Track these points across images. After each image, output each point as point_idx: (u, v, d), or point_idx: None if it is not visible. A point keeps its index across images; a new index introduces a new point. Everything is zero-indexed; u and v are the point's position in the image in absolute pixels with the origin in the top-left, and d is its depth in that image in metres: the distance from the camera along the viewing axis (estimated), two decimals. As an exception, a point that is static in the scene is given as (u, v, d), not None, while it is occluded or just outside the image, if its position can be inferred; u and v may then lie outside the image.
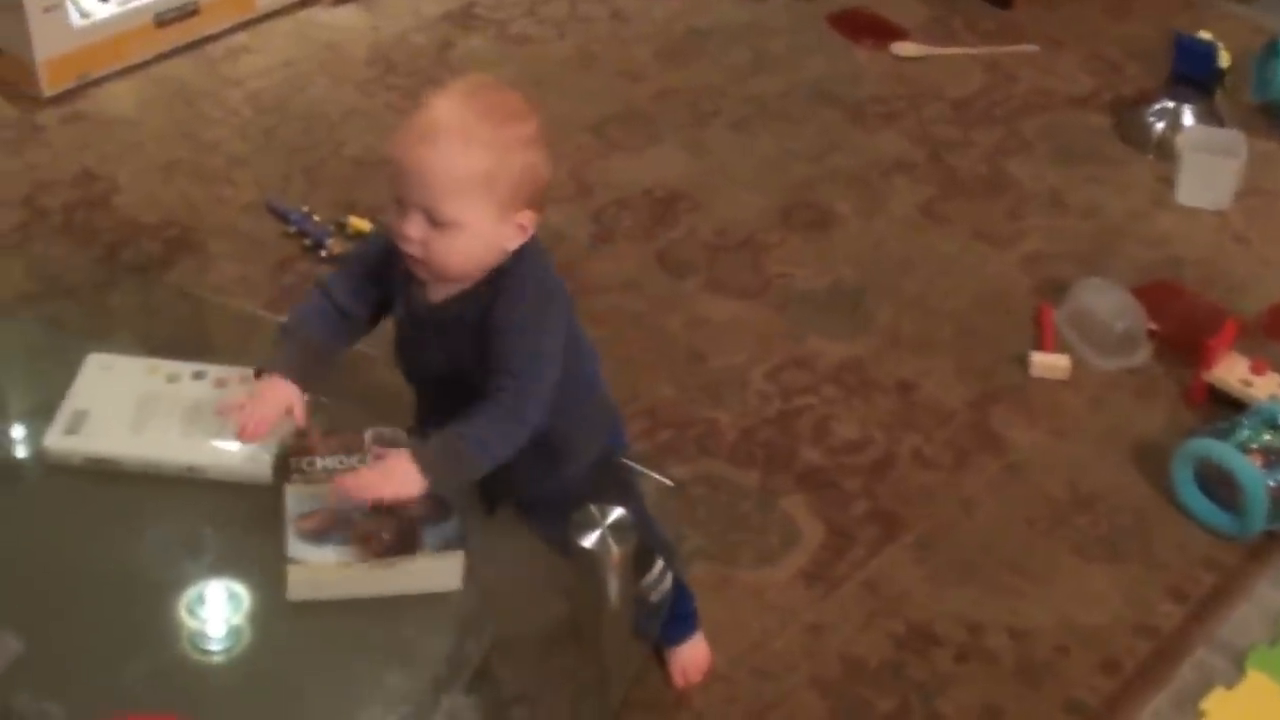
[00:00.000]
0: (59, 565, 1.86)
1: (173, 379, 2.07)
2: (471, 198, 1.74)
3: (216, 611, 1.77)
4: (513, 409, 1.81)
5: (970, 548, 2.56)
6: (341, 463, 1.93)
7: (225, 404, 1.96)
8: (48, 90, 3.65)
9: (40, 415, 2.00)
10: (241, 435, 1.88)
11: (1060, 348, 2.96)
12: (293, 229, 3.23)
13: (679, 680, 2.31)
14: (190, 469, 1.96)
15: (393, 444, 1.92)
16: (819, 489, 2.66)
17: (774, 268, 3.20)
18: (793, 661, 2.36)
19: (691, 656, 2.33)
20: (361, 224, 3.23)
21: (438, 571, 1.84)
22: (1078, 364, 2.92)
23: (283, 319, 2.03)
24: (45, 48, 3.60)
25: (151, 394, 2.04)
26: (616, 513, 1.85)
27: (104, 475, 1.97)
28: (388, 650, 1.77)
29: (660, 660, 2.32)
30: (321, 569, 1.81)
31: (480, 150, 1.73)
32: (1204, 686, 2.34)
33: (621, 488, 2.11)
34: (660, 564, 2.21)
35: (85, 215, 3.30)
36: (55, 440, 1.99)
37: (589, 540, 1.85)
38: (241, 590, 1.79)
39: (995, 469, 2.72)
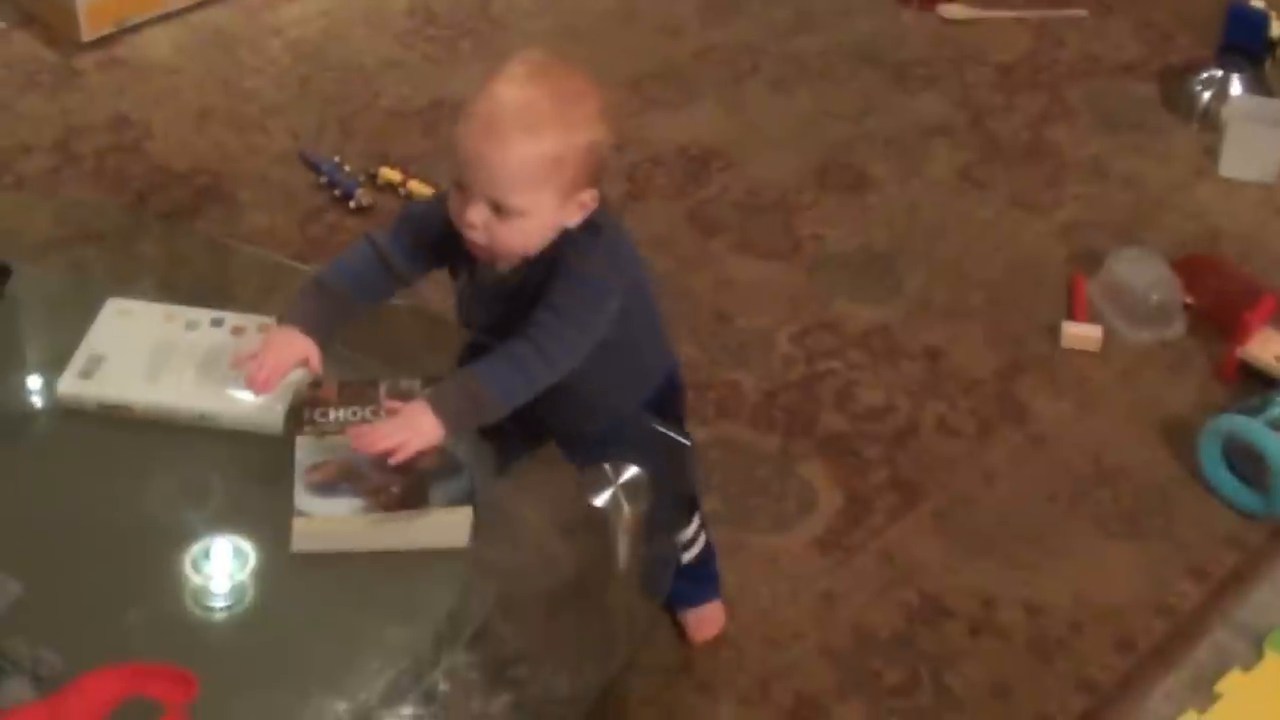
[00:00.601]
0: (64, 511, 1.83)
1: (191, 326, 2.05)
2: (538, 187, 1.72)
3: (221, 567, 1.75)
4: (542, 348, 1.77)
5: (989, 520, 2.53)
6: (355, 414, 1.90)
7: (238, 354, 1.94)
8: (87, 35, 3.65)
9: (60, 360, 1.99)
10: (251, 386, 1.86)
11: (1093, 318, 2.91)
12: (323, 179, 3.22)
13: (696, 635, 2.30)
14: (202, 417, 1.94)
15: (407, 395, 1.90)
16: (839, 455, 2.63)
17: (805, 229, 3.17)
18: (802, 629, 2.34)
19: (705, 620, 2.32)
20: (393, 175, 3.22)
21: (445, 527, 1.81)
22: (1110, 336, 2.88)
23: (308, 268, 2.01)
24: (85, -9, 3.60)
25: (168, 341, 2.02)
26: (630, 471, 1.83)
27: (116, 421, 1.95)
28: (389, 605, 1.74)
29: (672, 618, 2.31)
30: (327, 521, 1.79)
31: (546, 139, 1.70)
32: (1220, 668, 2.29)
33: (674, 445, 2.07)
34: (697, 522, 2.20)
35: (117, 161, 3.29)
36: (69, 385, 1.97)
37: (600, 499, 1.83)
38: (247, 546, 1.77)
39: (1019, 440, 2.68)
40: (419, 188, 3.18)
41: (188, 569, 1.73)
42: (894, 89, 3.63)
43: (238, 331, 2.03)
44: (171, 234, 3.07)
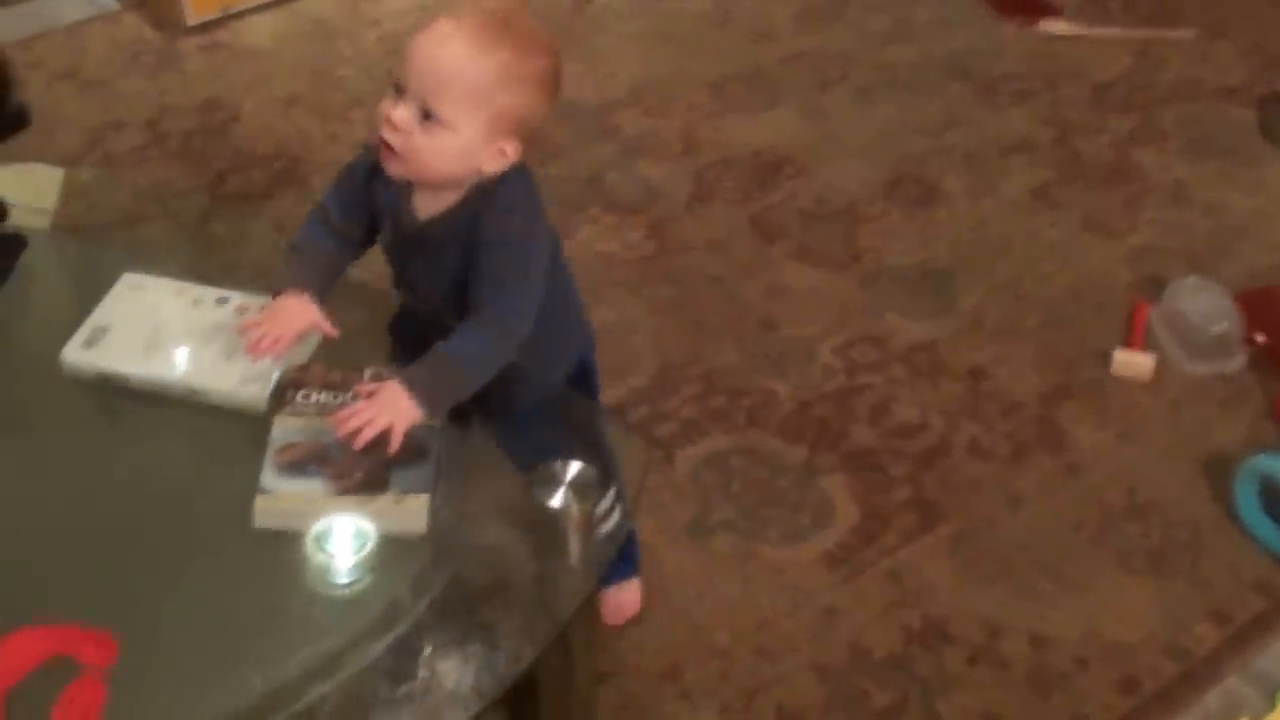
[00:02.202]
0: (44, 475, 1.88)
1: (197, 303, 2.08)
2: (469, 105, 1.72)
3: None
4: (499, 322, 1.79)
5: (1007, 546, 2.46)
6: (336, 397, 1.91)
7: (244, 323, 1.97)
8: (191, 19, 3.74)
9: (71, 331, 2.03)
10: (254, 351, 1.88)
11: (1150, 347, 2.82)
12: (393, 169, 3.25)
13: (612, 617, 2.28)
14: (192, 392, 1.96)
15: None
16: (863, 471, 2.59)
17: (867, 241, 3.12)
18: (797, 644, 2.30)
19: (622, 600, 2.31)
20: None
21: (402, 513, 1.82)
22: (1164, 366, 2.79)
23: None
24: (192, -23, 3.68)
25: (172, 316, 2.05)
26: (576, 468, 1.82)
27: (114, 391, 1.98)
28: (318, 592, 1.75)
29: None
30: (287, 500, 1.80)
31: (494, 60, 1.72)
32: (1227, 717, 2.20)
33: (587, 407, 2.07)
34: (613, 494, 2.16)
35: (202, 142, 3.36)
36: (72, 354, 2.01)
37: (554, 499, 1.82)
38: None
39: (1052, 467, 2.61)
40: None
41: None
42: (981, 103, 3.57)
43: (242, 310, 2.06)
44: (243, 217, 3.14)
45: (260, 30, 3.76)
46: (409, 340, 1.89)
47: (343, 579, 1.74)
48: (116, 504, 1.85)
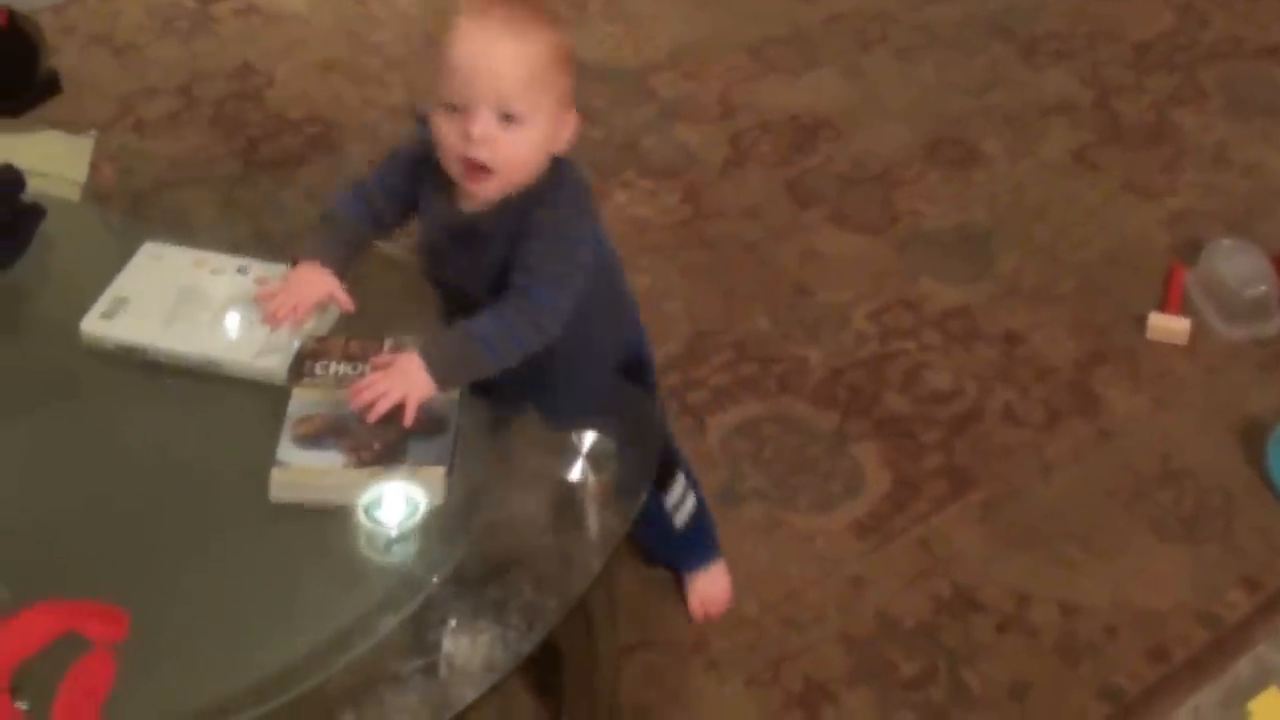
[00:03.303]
0: (54, 447, 1.89)
1: (216, 272, 2.09)
2: (540, 90, 1.73)
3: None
4: (530, 311, 1.78)
5: (1039, 514, 2.45)
6: (355, 369, 1.92)
7: (261, 292, 1.97)
8: (226, -18, 3.74)
9: (92, 301, 2.04)
10: (270, 321, 1.89)
11: (1187, 311, 2.79)
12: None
13: (698, 614, 2.28)
14: (210, 363, 1.97)
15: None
16: (895, 438, 2.58)
17: (904, 204, 3.10)
18: (824, 613, 2.30)
19: (711, 587, 2.30)
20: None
21: (418, 486, 1.83)
22: (1200, 330, 2.76)
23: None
24: (223, -60, 3.68)
25: (192, 286, 2.06)
26: (594, 439, 1.83)
27: (134, 362, 1.99)
28: (334, 566, 1.76)
29: (680, 589, 2.30)
30: (304, 473, 1.81)
31: (543, 46, 1.73)
32: (1257, 685, 2.19)
33: (640, 400, 2.07)
34: (682, 481, 2.18)
35: (235, 107, 3.37)
36: (90, 324, 2.02)
37: (572, 472, 1.83)
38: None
39: (1086, 433, 2.59)
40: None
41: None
42: (1022, 63, 3.53)
43: (261, 280, 2.06)
44: (276, 183, 3.14)
45: (296, -6, 3.77)
46: None
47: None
48: (132, 476, 1.86)
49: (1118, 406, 2.64)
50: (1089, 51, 3.56)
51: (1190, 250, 2.94)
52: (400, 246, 2.05)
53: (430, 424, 1.84)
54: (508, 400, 1.87)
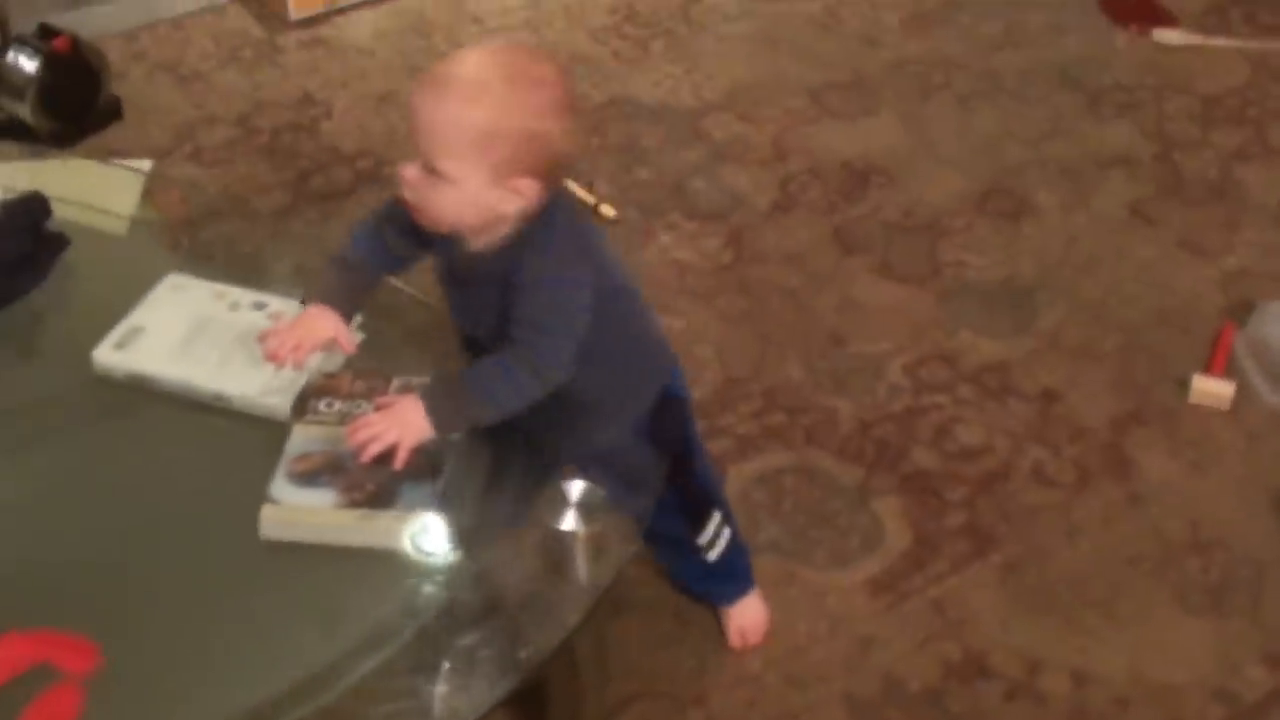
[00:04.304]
0: (54, 475, 1.91)
1: (233, 307, 2.10)
2: (464, 157, 1.71)
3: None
4: (527, 361, 1.78)
5: (1060, 578, 2.39)
6: (359, 407, 1.92)
7: (266, 330, 1.98)
8: (295, 14, 3.78)
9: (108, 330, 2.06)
10: (272, 359, 1.89)
11: (1232, 375, 2.72)
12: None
13: (736, 642, 2.28)
14: (217, 397, 1.98)
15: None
16: (919, 494, 2.53)
17: (950, 254, 3.05)
18: (829, 672, 2.25)
19: (749, 616, 2.29)
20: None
21: (404, 531, 1.82)
22: (1244, 395, 2.69)
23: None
24: (295, -28, 3.72)
25: (208, 319, 2.07)
26: (584, 489, 1.81)
27: (143, 393, 2.01)
28: (315, 607, 1.76)
29: (718, 619, 2.31)
30: (294, 511, 1.81)
31: (480, 111, 1.69)
32: (1271, 766, 2.13)
33: (676, 440, 2.07)
34: (717, 518, 2.16)
35: (291, 138, 3.40)
36: (103, 354, 2.04)
37: (563, 522, 1.82)
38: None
39: (1116, 496, 2.53)
40: (571, 186, 3.18)
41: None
42: (1085, 114, 3.47)
43: (277, 316, 2.07)
44: (321, 216, 3.17)
45: (362, 26, 3.79)
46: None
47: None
48: (126, 507, 1.87)
49: (1152, 470, 2.58)
50: (1156, 104, 3.49)
51: (1243, 312, 2.87)
52: (419, 286, 2.04)
53: (426, 468, 1.83)
54: (527, 440, 1.87)
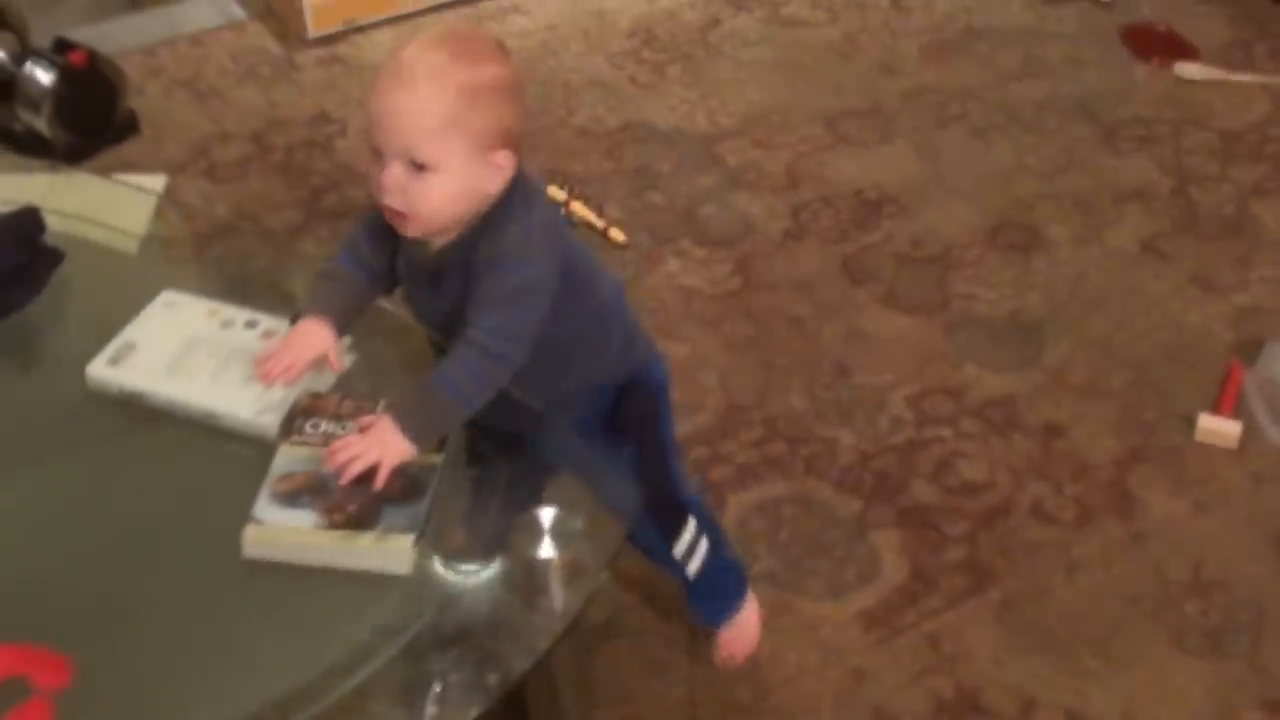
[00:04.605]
0: (39, 491, 1.90)
1: (226, 325, 2.09)
2: (448, 138, 1.72)
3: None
4: (489, 348, 1.77)
5: (1057, 616, 2.37)
6: (344, 428, 1.91)
7: (261, 353, 1.98)
8: (313, 32, 3.78)
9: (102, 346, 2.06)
10: (264, 379, 1.90)
11: (1240, 414, 2.69)
12: (490, 191, 3.25)
13: (720, 664, 2.26)
14: (207, 415, 1.98)
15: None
16: (918, 528, 2.51)
17: (959, 286, 3.03)
18: (818, 704, 2.24)
19: (735, 641, 2.27)
20: (558, 194, 3.22)
21: (385, 553, 1.81)
22: (1253, 435, 2.66)
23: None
24: (315, -10, 3.73)
25: (200, 337, 2.06)
26: (554, 516, 1.80)
27: (135, 410, 2.00)
28: (293, 628, 1.75)
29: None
30: (277, 531, 1.80)
31: (454, 90, 1.71)
32: (1264, 813, 2.10)
33: (647, 429, 2.07)
34: (692, 527, 2.13)
35: (305, 156, 3.40)
36: (96, 369, 2.03)
37: (540, 550, 1.81)
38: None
39: (1118, 534, 2.51)
40: (580, 209, 3.18)
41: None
42: (1101, 147, 3.45)
43: (269, 334, 2.07)
44: (331, 234, 3.17)
45: (381, 45, 3.79)
46: None
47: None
48: (112, 524, 1.85)
49: (1154, 509, 2.55)
50: (1174, 138, 3.47)
51: (1253, 350, 2.84)
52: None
53: (409, 490, 1.82)
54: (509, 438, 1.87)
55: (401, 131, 1.71)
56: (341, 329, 1.92)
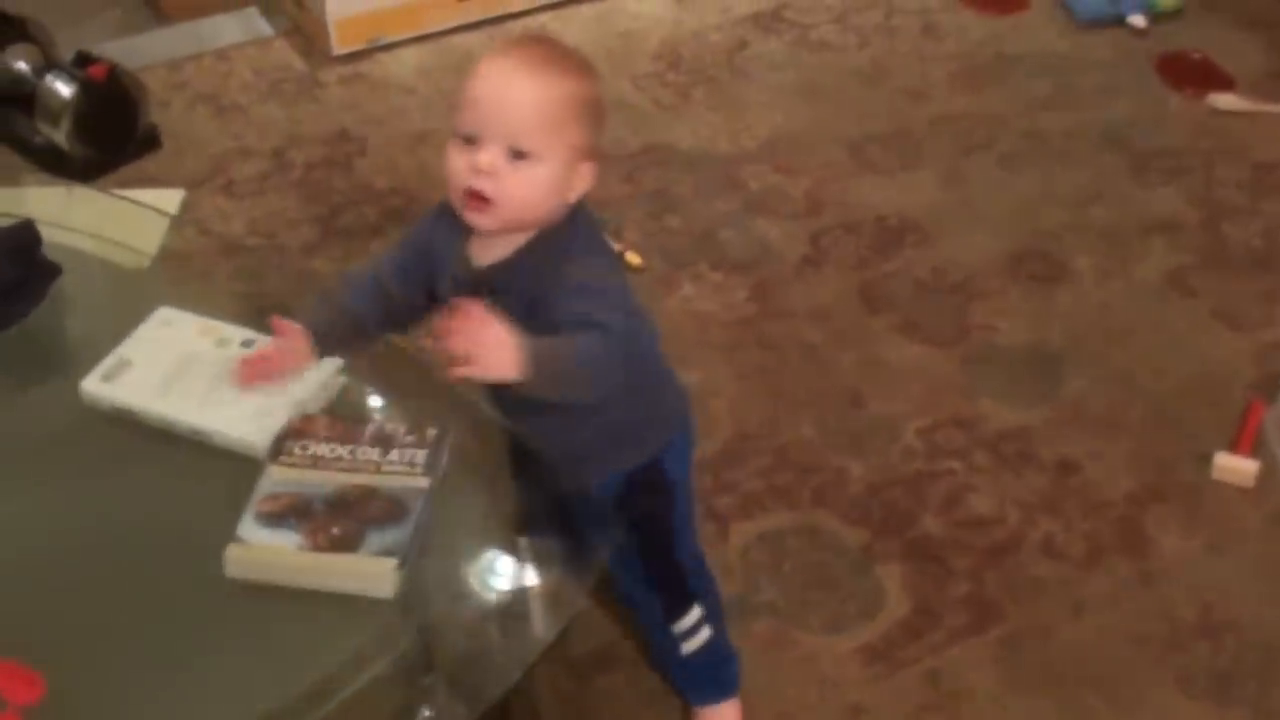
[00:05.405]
0: (24, 507, 1.89)
1: (220, 343, 2.08)
2: (555, 133, 1.72)
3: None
4: (600, 350, 1.74)
5: (1061, 656, 2.32)
6: (333, 450, 1.90)
7: (241, 360, 1.97)
8: (337, 49, 3.78)
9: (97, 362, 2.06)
10: (241, 382, 1.91)
11: (1259, 452, 2.63)
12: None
13: None
14: (198, 433, 1.97)
15: (391, 438, 1.89)
16: (923, 562, 2.47)
17: (978, 318, 2.99)
18: (813, 741, 2.20)
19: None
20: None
21: (369, 576, 1.79)
22: (1271, 474, 2.60)
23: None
24: (338, 7, 3.72)
25: (194, 354, 2.05)
26: (540, 544, 1.79)
27: (128, 426, 2.00)
28: (271, 649, 1.73)
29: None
30: (260, 551, 1.79)
31: (569, 90, 1.74)
32: None
33: (651, 516, 2.02)
34: (697, 612, 2.11)
35: (324, 173, 3.39)
36: (90, 385, 2.03)
37: (519, 576, 1.79)
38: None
39: (1127, 574, 2.45)
40: (598, 231, 3.15)
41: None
42: (1131, 178, 3.40)
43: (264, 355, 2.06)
44: (346, 253, 3.16)
45: (405, 63, 3.79)
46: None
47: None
48: (98, 540, 1.85)
49: (1166, 548, 2.50)
50: (1205, 170, 3.41)
51: (1275, 388, 2.78)
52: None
53: (393, 513, 1.81)
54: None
55: (513, 117, 1.70)
56: (325, 348, 1.90)
